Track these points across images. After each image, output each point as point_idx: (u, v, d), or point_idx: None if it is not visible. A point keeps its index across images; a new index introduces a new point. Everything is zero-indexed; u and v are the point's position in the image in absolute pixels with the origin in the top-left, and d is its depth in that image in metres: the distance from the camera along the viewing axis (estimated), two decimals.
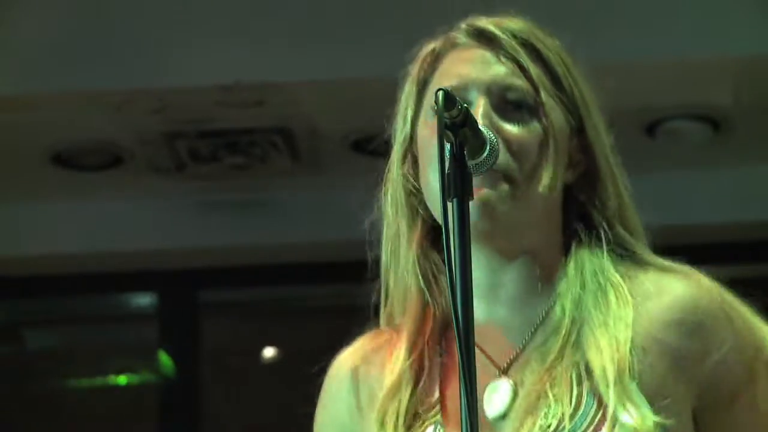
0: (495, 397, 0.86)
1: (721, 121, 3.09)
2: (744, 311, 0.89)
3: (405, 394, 0.88)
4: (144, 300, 3.89)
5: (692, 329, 0.86)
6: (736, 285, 0.90)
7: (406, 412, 0.87)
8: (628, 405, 0.80)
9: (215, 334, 3.83)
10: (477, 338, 0.75)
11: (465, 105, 0.74)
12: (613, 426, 0.78)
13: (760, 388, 0.87)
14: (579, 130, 0.89)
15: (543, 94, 0.86)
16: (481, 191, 0.78)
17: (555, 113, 0.87)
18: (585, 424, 0.80)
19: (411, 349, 0.91)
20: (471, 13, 0.94)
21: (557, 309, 0.87)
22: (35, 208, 3.45)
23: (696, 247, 3.17)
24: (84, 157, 3.23)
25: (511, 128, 0.84)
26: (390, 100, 0.96)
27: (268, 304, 4.01)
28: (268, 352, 3.83)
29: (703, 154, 3.28)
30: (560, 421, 0.80)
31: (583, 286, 0.87)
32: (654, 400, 0.81)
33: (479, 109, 0.82)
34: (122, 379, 3.81)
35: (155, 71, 2.92)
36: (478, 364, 0.71)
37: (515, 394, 0.85)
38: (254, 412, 3.64)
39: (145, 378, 3.82)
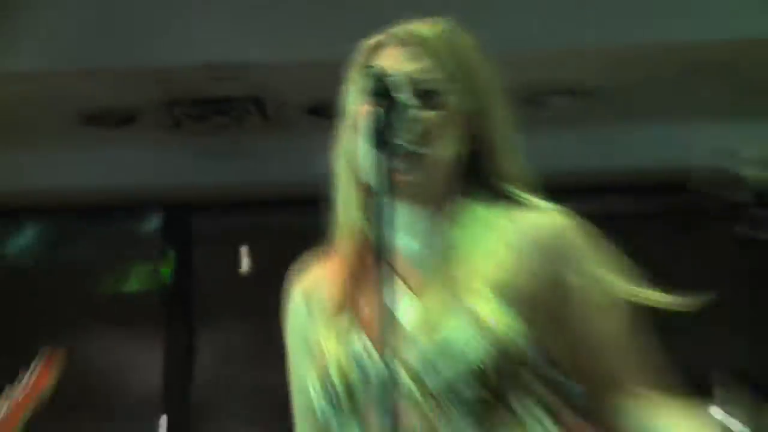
0: (408, 311, 0.98)
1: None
2: (596, 245, 1.04)
3: (343, 309, 1.05)
4: (151, 224, 4.53)
5: (555, 255, 1.01)
6: (590, 219, 1.06)
7: (342, 324, 1.04)
8: (500, 315, 0.95)
9: (206, 252, 4.54)
10: (397, 266, 0.97)
11: (392, 91, 0.93)
12: (483, 329, 0.94)
13: (593, 309, 1.01)
14: (479, 111, 1.07)
15: (450, 85, 1.04)
16: (396, 162, 0.94)
17: (457, 99, 1.05)
18: (465, 334, 0.94)
19: (350, 273, 1.07)
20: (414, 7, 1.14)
21: (455, 242, 1.04)
22: (69, 156, 4.17)
23: (568, 189, 4.00)
24: (106, 117, 3.90)
25: (422, 112, 1.01)
26: (341, 78, 1.13)
27: (247, 228, 4.61)
28: (248, 264, 4.48)
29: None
30: (449, 332, 0.96)
31: (473, 224, 1.04)
32: (521, 311, 0.96)
33: (400, 95, 0.95)
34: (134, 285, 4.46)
35: (158, 52, 3.53)
36: (393, 285, 0.88)
37: (422, 309, 1.00)
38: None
39: (151, 285, 4.46)
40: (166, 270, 4.45)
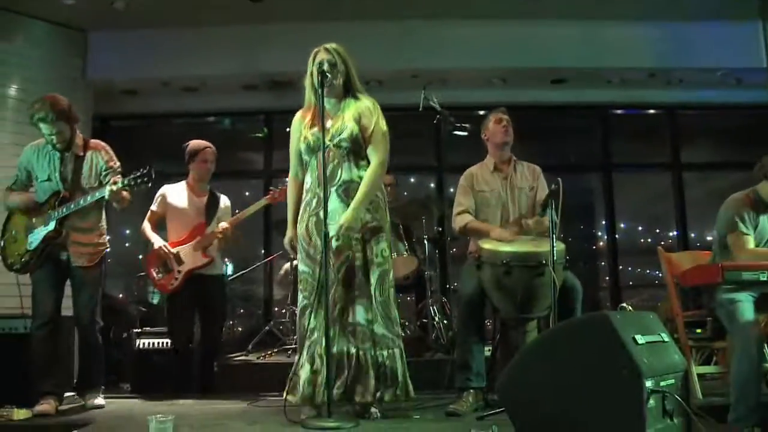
0: (330, 124, 3.54)
1: None
2: (381, 118, 3.56)
3: (311, 124, 3.53)
4: None
5: (366, 113, 3.54)
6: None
7: (310, 128, 3.54)
8: (354, 127, 3.50)
9: None
10: (326, 113, 3.52)
11: (321, 65, 3.45)
12: (352, 129, 3.49)
13: (374, 130, 3.52)
14: (348, 69, 3.60)
15: (339, 62, 3.54)
16: (325, 84, 3.43)
17: (342, 65, 3.59)
18: (347, 130, 3.49)
19: (311, 114, 3.56)
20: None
21: (344, 107, 3.58)
22: None
23: None
24: None
25: (333, 70, 3.51)
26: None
27: None
28: None
29: None
30: (342, 129, 3.50)
31: (349, 104, 3.56)
32: (359, 128, 3.50)
33: (323, 66, 3.45)
34: None
35: None
36: (324, 117, 3.47)
37: (335, 124, 3.53)
38: None
39: None
40: None
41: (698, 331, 4.52)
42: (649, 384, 2.56)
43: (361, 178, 3.46)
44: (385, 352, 3.37)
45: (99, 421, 3.56)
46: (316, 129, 3.46)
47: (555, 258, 3.46)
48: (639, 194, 8.60)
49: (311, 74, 3.49)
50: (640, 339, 2.67)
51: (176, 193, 5.02)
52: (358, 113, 3.52)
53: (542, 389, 2.76)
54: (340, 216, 3.38)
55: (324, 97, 3.41)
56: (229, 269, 7.84)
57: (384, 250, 3.47)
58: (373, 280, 3.40)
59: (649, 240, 8.76)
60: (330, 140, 3.45)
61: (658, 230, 8.65)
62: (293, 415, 3.32)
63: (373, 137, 3.50)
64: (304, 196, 3.55)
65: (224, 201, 5.12)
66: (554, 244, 3.45)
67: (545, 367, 2.79)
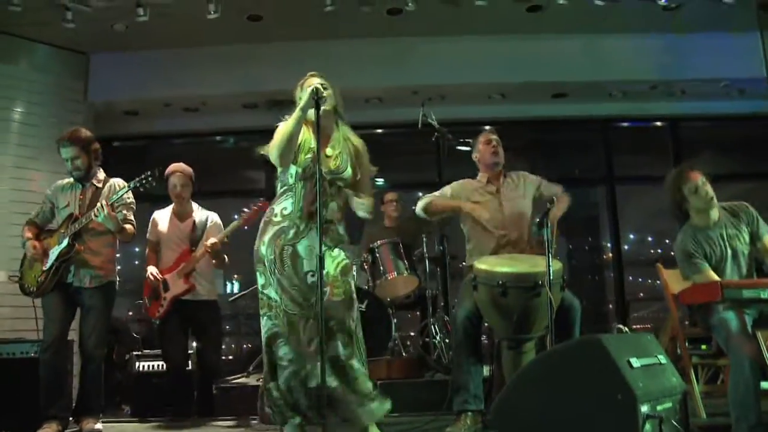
0: (329, 152, 3.41)
1: None
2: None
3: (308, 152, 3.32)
4: None
5: (361, 157, 3.48)
6: None
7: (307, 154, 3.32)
8: (347, 161, 3.42)
9: None
10: (323, 136, 3.30)
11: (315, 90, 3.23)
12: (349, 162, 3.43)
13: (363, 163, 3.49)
14: (335, 95, 3.44)
15: (328, 87, 3.39)
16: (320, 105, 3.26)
17: (331, 90, 3.40)
18: (344, 163, 3.41)
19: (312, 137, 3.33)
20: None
21: (336, 133, 3.49)
22: None
23: None
24: None
25: (325, 92, 3.30)
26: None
27: None
28: None
29: None
30: (340, 161, 3.39)
31: (340, 130, 3.50)
32: (351, 162, 3.43)
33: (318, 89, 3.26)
34: None
35: None
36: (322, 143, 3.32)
37: (333, 152, 3.42)
38: None
39: None
40: None
41: (703, 347, 4.46)
42: (644, 409, 2.51)
43: (338, 221, 3.41)
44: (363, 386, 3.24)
45: None
46: (310, 156, 3.29)
47: (551, 278, 3.41)
48: (644, 206, 8.55)
49: (308, 96, 3.24)
50: (636, 362, 2.63)
51: (162, 219, 5.03)
52: (354, 153, 3.48)
53: (536, 414, 2.72)
54: (316, 255, 3.16)
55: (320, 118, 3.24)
56: (235, 288, 7.85)
57: (354, 289, 3.40)
58: (353, 315, 3.30)
59: (659, 251, 8.71)
60: (328, 172, 3.32)
61: (667, 242, 8.58)
62: None
63: (363, 180, 3.49)
64: (274, 218, 3.34)
65: (212, 218, 5.05)
66: (550, 264, 3.41)
67: (539, 391, 2.75)
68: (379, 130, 7.52)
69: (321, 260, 3.09)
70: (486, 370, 4.05)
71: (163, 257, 4.92)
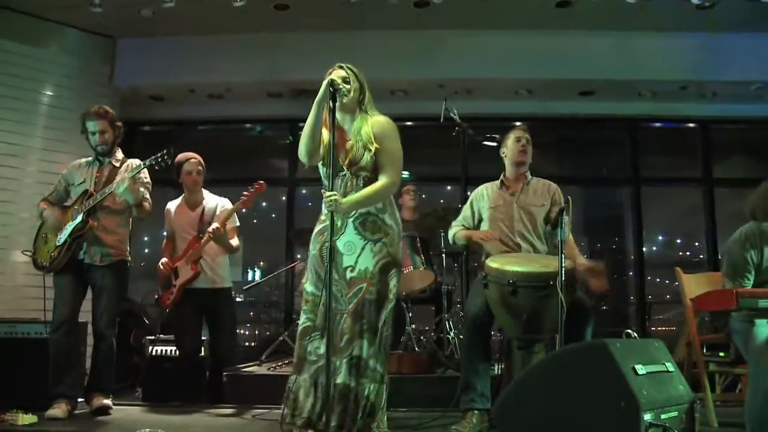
0: (344, 143, 3.38)
1: None
2: (395, 138, 3.39)
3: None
4: None
5: (380, 132, 3.34)
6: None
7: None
8: (370, 150, 3.31)
9: None
10: (338, 130, 3.35)
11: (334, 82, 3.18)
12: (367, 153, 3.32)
13: (386, 149, 3.34)
14: (361, 85, 3.41)
15: (353, 78, 3.37)
16: (338, 98, 3.24)
17: (356, 82, 3.38)
18: (362, 152, 3.31)
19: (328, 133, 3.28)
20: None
21: (357, 123, 3.39)
22: None
23: None
24: None
25: (345, 86, 3.30)
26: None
27: None
28: None
29: None
30: (357, 152, 3.34)
31: (362, 119, 3.38)
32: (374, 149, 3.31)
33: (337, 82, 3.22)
34: None
35: None
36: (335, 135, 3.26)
37: (351, 143, 3.37)
38: None
39: None
40: None
41: (721, 354, 4.37)
42: (647, 417, 2.46)
43: (378, 210, 3.36)
44: (372, 386, 3.24)
45: (95, 430, 3.56)
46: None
47: (563, 278, 3.36)
48: (672, 208, 8.40)
49: (323, 89, 3.23)
50: (641, 369, 2.58)
51: (175, 209, 5.05)
52: (372, 133, 3.34)
53: (538, 416, 2.69)
54: (356, 248, 3.32)
55: (336, 111, 3.23)
56: (257, 276, 7.88)
57: (395, 286, 3.37)
58: (384, 315, 3.29)
59: (688, 253, 8.57)
60: (348, 167, 3.33)
61: (695, 244, 8.43)
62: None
63: (384, 158, 3.34)
64: (321, 216, 3.42)
65: (222, 204, 5.05)
66: (563, 264, 3.35)
67: (543, 393, 2.72)
68: (405, 123, 7.46)
69: (331, 251, 3.09)
70: (497, 369, 4.01)
71: (178, 246, 4.95)
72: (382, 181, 3.32)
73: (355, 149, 3.33)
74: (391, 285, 3.34)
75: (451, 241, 4.27)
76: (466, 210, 4.21)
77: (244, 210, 4.85)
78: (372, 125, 3.37)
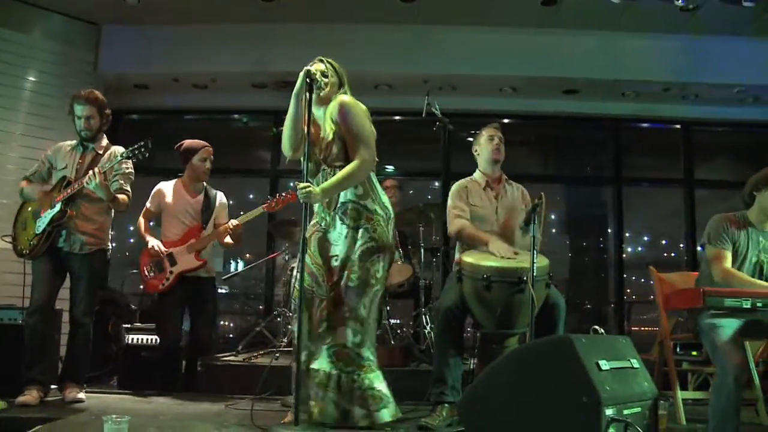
0: (320, 133, 3.37)
1: None
2: (359, 115, 3.30)
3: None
4: None
5: (342, 115, 3.28)
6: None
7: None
8: (335, 133, 3.30)
9: None
10: (312, 120, 3.24)
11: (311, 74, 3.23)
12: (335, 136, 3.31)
13: (350, 127, 3.28)
14: (340, 78, 3.43)
15: (331, 71, 3.40)
16: (315, 90, 3.27)
17: (333, 74, 3.40)
18: (331, 139, 3.32)
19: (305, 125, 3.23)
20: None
21: (327, 112, 3.35)
22: None
23: None
24: None
25: (323, 79, 3.34)
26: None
27: None
28: None
29: None
30: (327, 139, 3.33)
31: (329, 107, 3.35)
32: (339, 132, 3.28)
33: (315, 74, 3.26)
34: None
35: None
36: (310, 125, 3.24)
37: (321, 132, 3.36)
38: None
39: None
40: None
41: (694, 353, 4.42)
42: (609, 412, 2.49)
43: (358, 197, 3.35)
44: (371, 375, 3.27)
45: (68, 417, 3.55)
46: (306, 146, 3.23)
47: (536, 274, 3.38)
48: (654, 209, 8.45)
49: (300, 80, 3.27)
50: (605, 365, 2.60)
51: (171, 192, 5.02)
52: (330, 117, 3.31)
53: (503, 409, 2.71)
54: (341, 238, 3.35)
55: (312, 104, 3.23)
56: (239, 266, 7.87)
57: (379, 271, 3.33)
58: (366, 301, 3.29)
59: (672, 254, 8.61)
60: (323, 159, 3.34)
61: (679, 245, 8.47)
62: (261, 421, 3.29)
63: (350, 137, 3.30)
64: (317, 210, 3.47)
65: (220, 198, 5.11)
66: (535, 260, 3.38)
67: (508, 387, 2.74)
68: (388, 117, 7.47)
69: (303, 241, 3.15)
70: (471, 364, 4.03)
71: (166, 230, 4.94)
72: (354, 162, 3.27)
73: (324, 142, 3.33)
74: (373, 270, 3.31)
75: (452, 232, 4.01)
76: (462, 201, 4.02)
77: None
78: (330, 110, 3.34)
